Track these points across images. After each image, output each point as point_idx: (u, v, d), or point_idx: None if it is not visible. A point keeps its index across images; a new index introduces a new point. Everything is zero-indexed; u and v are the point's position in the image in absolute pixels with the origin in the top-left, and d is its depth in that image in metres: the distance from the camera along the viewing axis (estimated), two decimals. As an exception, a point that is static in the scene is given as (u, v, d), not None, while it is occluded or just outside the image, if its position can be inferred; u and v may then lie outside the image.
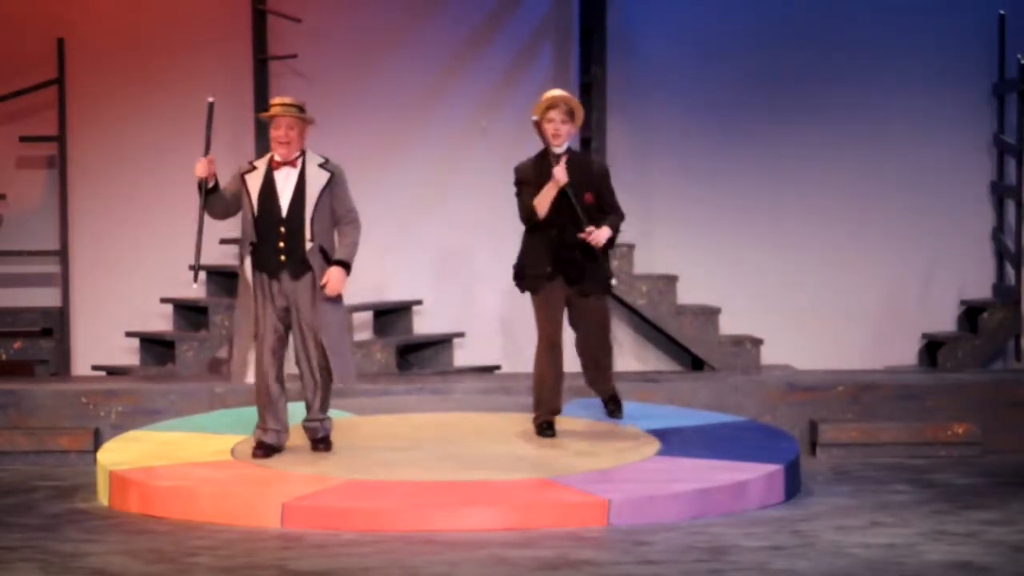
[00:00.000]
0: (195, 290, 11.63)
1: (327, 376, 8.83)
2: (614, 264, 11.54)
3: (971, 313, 11.97)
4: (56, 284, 11.84)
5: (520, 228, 9.14)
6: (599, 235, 8.92)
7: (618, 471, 8.41)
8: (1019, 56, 11.72)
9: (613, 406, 9.45)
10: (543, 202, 8.90)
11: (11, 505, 8.64)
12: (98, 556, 7.20)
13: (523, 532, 7.59)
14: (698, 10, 12.01)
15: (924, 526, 7.75)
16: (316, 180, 8.77)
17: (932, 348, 11.89)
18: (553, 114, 8.93)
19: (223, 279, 11.62)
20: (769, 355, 11.72)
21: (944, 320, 12.14)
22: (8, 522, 8.07)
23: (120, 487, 8.45)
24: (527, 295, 9.13)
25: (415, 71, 11.89)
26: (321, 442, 8.95)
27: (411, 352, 11.71)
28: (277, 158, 8.80)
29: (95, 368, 11.61)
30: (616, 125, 11.81)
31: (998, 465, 9.76)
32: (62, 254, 11.78)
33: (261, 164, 8.88)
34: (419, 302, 11.83)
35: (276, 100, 8.90)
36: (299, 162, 8.80)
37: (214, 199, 8.82)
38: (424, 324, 11.85)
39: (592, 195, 8.98)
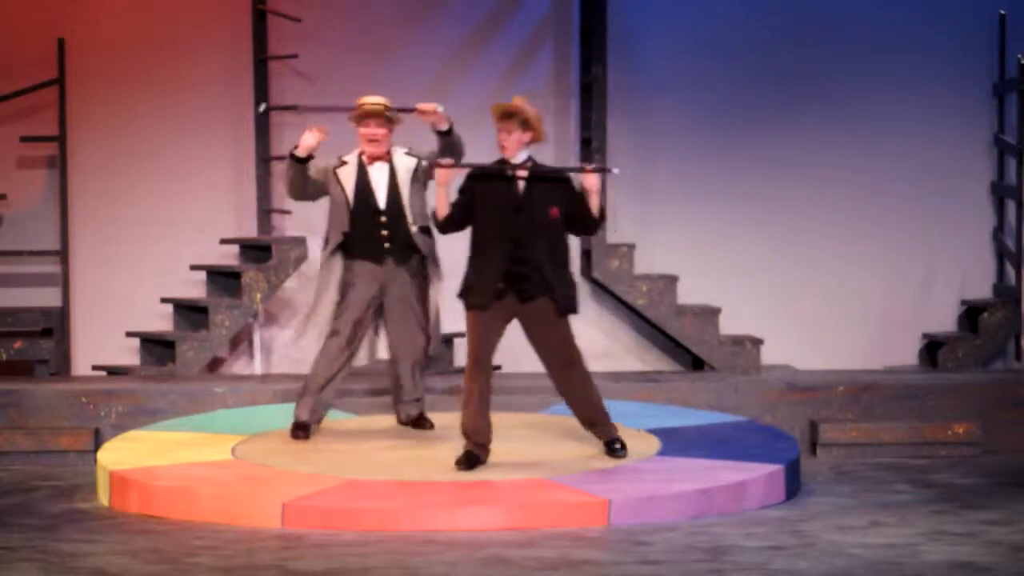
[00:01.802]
0: (195, 290, 11.70)
1: (425, 355, 9.38)
2: (614, 264, 11.58)
3: (971, 313, 11.98)
4: (56, 284, 11.83)
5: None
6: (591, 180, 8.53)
7: (618, 471, 8.41)
8: (1019, 56, 11.73)
9: (618, 446, 8.70)
10: (439, 203, 8.63)
11: (11, 505, 8.64)
12: (98, 556, 7.20)
13: (523, 532, 7.59)
14: (698, 10, 12.01)
15: (924, 526, 7.75)
16: (405, 168, 9.24)
17: (932, 348, 11.89)
18: (499, 125, 8.62)
19: (223, 279, 11.62)
20: (769, 355, 11.72)
21: (944, 320, 12.15)
22: (8, 522, 8.07)
23: (120, 487, 8.45)
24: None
25: (415, 71, 11.88)
26: (424, 419, 9.47)
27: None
28: (368, 153, 9.22)
29: (95, 368, 11.61)
30: (616, 125, 11.81)
31: (998, 465, 9.76)
32: (62, 254, 11.78)
33: (351, 160, 9.29)
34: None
35: (365, 99, 9.21)
36: (388, 156, 9.26)
37: (302, 172, 9.23)
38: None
39: (559, 210, 8.46)
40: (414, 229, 9.22)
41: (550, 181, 8.54)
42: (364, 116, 9.17)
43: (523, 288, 8.44)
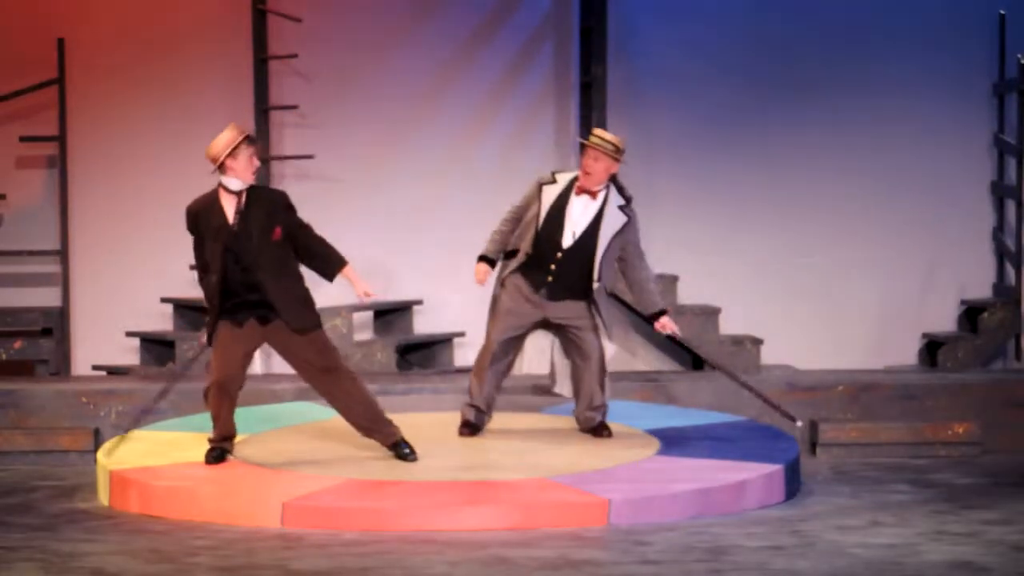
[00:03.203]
0: (195, 290, 11.69)
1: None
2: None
3: (971, 313, 11.98)
4: (56, 284, 11.84)
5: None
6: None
7: (618, 471, 8.41)
8: (1019, 56, 11.73)
9: (407, 450, 8.63)
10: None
11: (11, 505, 8.64)
12: (98, 556, 7.20)
13: (523, 532, 7.59)
14: (698, 10, 12.01)
15: (924, 526, 7.76)
16: (613, 221, 8.97)
17: (932, 348, 11.89)
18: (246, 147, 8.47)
19: (223, 279, 11.60)
20: (769, 355, 11.71)
21: (944, 320, 12.15)
22: (8, 522, 8.07)
23: (120, 487, 8.45)
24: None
25: (415, 71, 11.89)
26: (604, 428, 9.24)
27: (411, 352, 11.71)
28: (580, 184, 8.93)
29: (95, 368, 11.61)
30: (616, 125, 11.79)
31: (998, 465, 9.76)
32: (62, 254, 11.78)
33: (563, 180, 8.99)
34: (419, 302, 11.83)
35: (597, 131, 8.99)
36: (600, 196, 8.96)
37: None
38: (424, 324, 11.85)
39: (280, 229, 8.45)
40: (596, 286, 8.93)
41: (265, 203, 8.50)
42: (585, 147, 8.91)
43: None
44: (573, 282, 8.95)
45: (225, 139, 8.44)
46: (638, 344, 12.08)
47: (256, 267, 8.40)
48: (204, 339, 8.69)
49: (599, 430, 9.20)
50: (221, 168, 8.42)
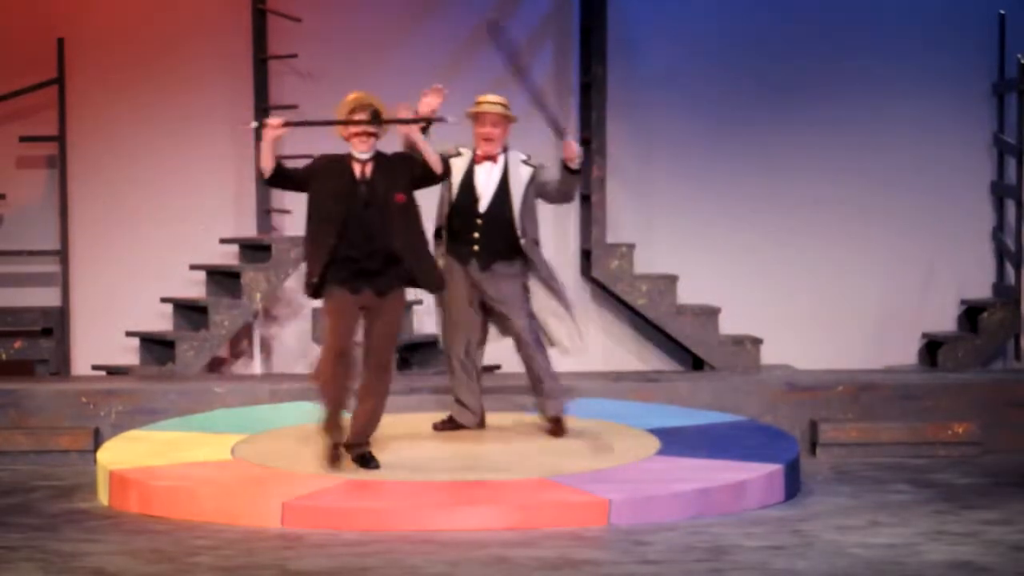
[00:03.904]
0: (195, 290, 11.70)
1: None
2: (614, 264, 11.59)
3: (971, 313, 11.98)
4: (56, 284, 11.83)
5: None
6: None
7: (618, 471, 8.41)
8: (1019, 56, 11.73)
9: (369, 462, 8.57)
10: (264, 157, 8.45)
11: (11, 505, 8.64)
12: (98, 556, 7.20)
13: (523, 532, 7.59)
14: (698, 10, 12.01)
15: (924, 526, 7.76)
16: (519, 176, 9.06)
17: (932, 348, 11.89)
18: (359, 117, 8.48)
19: (223, 279, 11.61)
20: (769, 355, 11.72)
21: (944, 320, 12.14)
22: (8, 522, 8.07)
23: (120, 487, 8.45)
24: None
25: (415, 71, 11.86)
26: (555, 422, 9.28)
27: (411, 352, 11.71)
28: (479, 153, 9.05)
29: (95, 368, 11.61)
30: (616, 125, 11.81)
31: (998, 465, 9.76)
32: (62, 254, 11.78)
33: (466, 153, 9.10)
34: (419, 302, 11.82)
35: (483, 98, 9.07)
36: (500, 159, 9.09)
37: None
38: (424, 324, 11.84)
39: (403, 193, 8.46)
40: (523, 241, 9.03)
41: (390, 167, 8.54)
42: (479, 115, 9.04)
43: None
44: (499, 245, 9.03)
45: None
46: (638, 344, 12.08)
47: (383, 234, 8.37)
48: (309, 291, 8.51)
49: (553, 429, 9.24)
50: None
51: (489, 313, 9.22)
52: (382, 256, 8.38)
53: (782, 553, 7.15)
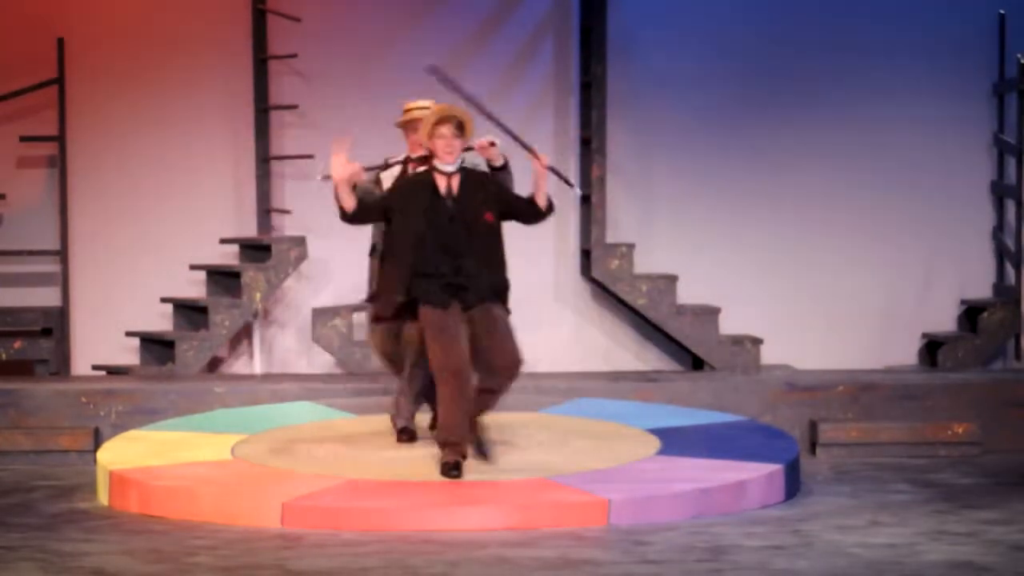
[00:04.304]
0: (195, 290, 11.70)
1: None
2: (614, 264, 11.59)
3: (971, 313, 11.98)
4: (56, 284, 11.83)
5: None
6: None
7: (618, 471, 8.41)
8: (1019, 56, 11.73)
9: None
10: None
11: (11, 505, 8.64)
12: (98, 556, 7.20)
13: (523, 532, 7.59)
14: (698, 10, 12.00)
15: (924, 526, 7.76)
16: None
17: (932, 348, 11.89)
18: (444, 129, 8.37)
19: (223, 279, 11.62)
20: (769, 355, 11.72)
21: (944, 320, 12.14)
22: (8, 522, 8.07)
23: (120, 487, 8.45)
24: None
25: (415, 71, 11.83)
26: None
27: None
28: (412, 157, 8.92)
29: (95, 368, 11.61)
30: (616, 125, 11.81)
31: (998, 465, 9.76)
32: (62, 254, 11.78)
33: (396, 164, 8.98)
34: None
35: (418, 104, 8.96)
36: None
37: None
38: (424, 324, 11.84)
39: (492, 213, 8.39)
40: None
41: (479, 186, 8.45)
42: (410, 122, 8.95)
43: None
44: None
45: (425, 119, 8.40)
46: (638, 344, 12.07)
47: (467, 250, 8.29)
48: (379, 313, 8.42)
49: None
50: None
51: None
52: (465, 271, 8.28)
53: (782, 553, 7.16)
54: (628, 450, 8.84)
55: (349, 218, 8.40)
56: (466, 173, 8.44)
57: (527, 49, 12.01)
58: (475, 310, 8.31)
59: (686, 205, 12.04)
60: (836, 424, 10.27)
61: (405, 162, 8.97)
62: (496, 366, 8.31)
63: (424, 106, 8.91)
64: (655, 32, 11.97)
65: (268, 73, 11.76)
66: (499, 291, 8.41)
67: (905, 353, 12.09)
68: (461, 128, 8.39)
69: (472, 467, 8.46)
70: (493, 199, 8.41)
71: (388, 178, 8.96)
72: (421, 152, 8.78)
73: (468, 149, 8.59)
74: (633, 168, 11.95)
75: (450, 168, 8.40)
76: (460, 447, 8.30)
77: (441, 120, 8.38)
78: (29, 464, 10.03)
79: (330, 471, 8.40)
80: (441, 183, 8.40)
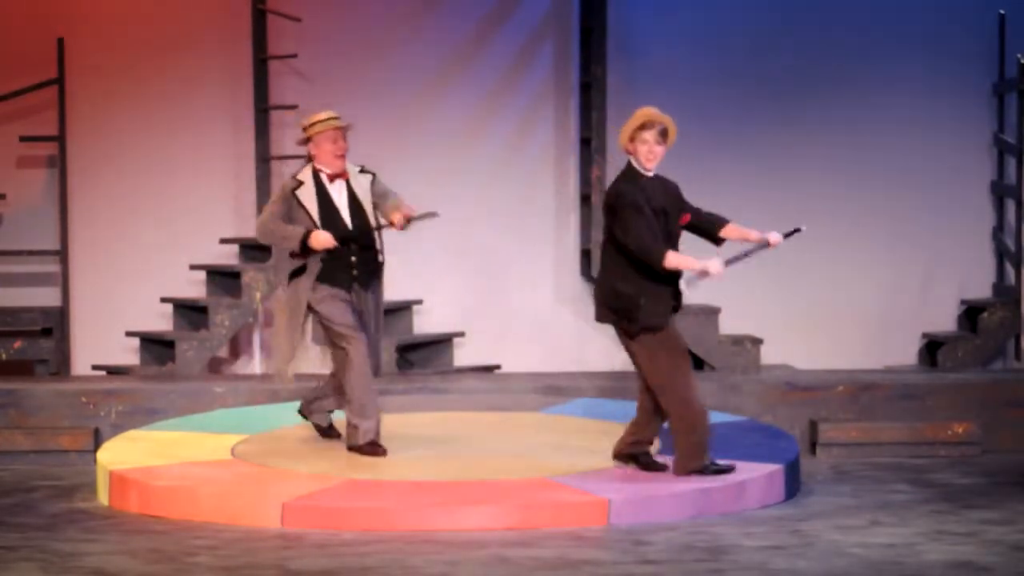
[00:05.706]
0: (195, 290, 11.70)
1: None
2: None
3: (971, 313, 11.97)
4: (56, 284, 11.83)
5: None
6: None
7: (618, 471, 8.41)
8: (1019, 56, 11.72)
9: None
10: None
11: (11, 505, 8.64)
12: (98, 556, 7.20)
13: (523, 532, 7.59)
14: (698, 10, 12.00)
15: (924, 526, 7.76)
16: (363, 187, 8.93)
17: (932, 348, 11.89)
18: (647, 135, 8.19)
19: (223, 279, 11.61)
20: (769, 355, 11.71)
21: (944, 320, 12.14)
22: (8, 522, 8.07)
23: (120, 487, 8.45)
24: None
25: (415, 71, 11.89)
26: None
27: (411, 352, 11.71)
28: (330, 171, 8.84)
29: (95, 368, 11.61)
30: (616, 125, 11.74)
31: (998, 465, 9.76)
32: (62, 254, 11.78)
33: (307, 178, 8.86)
34: (419, 302, 11.82)
35: (324, 115, 8.84)
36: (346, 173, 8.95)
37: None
38: (424, 324, 11.85)
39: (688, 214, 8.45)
40: (381, 258, 8.94)
41: (671, 190, 8.49)
42: (327, 132, 8.81)
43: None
44: (373, 263, 8.92)
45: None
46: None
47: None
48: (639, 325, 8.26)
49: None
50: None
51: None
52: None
53: (782, 553, 7.16)
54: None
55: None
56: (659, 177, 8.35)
57: (527, 49, 12.00)
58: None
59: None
60: (836, 424, 10.27)
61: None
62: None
63: (337, 114, 8.83)
64: (655, 33, 11.98)
65: (268, 73, 11.75)
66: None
67: (905, 353, 12.09)
68: (664, 135, 8.19)
69: (472, 467, 8.46)
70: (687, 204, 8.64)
71: (307, 192, 8.83)
72: (339, 159, 8.77)
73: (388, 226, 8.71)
74: (633, 168, 11.92)
75: (648, 175, 8.24)
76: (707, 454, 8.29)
77: (645, 124, 8.16)
78: (29, 464, 10.03)
79: (330, 471, 8.40)
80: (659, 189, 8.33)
